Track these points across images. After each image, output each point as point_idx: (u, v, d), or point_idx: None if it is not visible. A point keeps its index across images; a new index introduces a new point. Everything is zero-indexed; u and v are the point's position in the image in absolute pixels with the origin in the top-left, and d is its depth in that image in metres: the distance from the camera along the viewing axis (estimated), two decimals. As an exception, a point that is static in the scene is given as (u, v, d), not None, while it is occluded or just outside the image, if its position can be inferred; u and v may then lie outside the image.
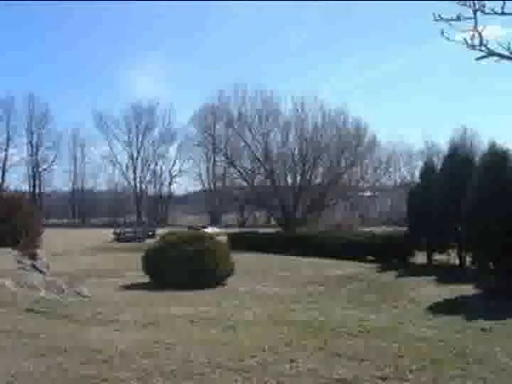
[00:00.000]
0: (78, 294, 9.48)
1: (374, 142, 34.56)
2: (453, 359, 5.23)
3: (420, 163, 39.83)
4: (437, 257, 16.25)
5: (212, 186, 64.83)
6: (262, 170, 33.76)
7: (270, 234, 26.62)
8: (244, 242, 23.47)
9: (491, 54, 3.66)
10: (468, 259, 13.91)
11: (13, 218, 14.58)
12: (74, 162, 73.85)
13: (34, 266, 11.01)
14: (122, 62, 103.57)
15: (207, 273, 11.43)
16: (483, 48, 3.64)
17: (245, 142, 33.98)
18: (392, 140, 69.04)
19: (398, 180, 56.66)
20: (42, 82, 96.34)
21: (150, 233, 36.16)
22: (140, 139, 73.42)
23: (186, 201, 75.21)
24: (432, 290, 10.81)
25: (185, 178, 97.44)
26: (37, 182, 70.58)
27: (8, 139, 67.28)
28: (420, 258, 17.10)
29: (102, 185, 76.84)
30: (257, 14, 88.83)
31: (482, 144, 27.37)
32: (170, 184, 74.75)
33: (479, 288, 10.58)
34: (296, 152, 33.11)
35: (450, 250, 15.72)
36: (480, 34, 3.61)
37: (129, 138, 73.11)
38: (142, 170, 74.01)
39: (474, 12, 3.55)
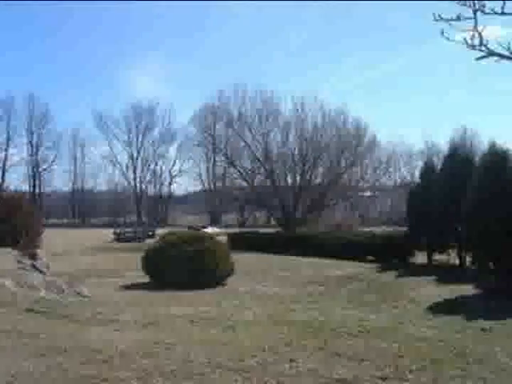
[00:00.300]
0: (78, 293, 9.48)
1: (374, 142, 34.59)
2: (453, 359, 5.23)
3: (420, 163, 39.89)
4: (437, 257, 16.25)
5: (212, 186, 64.83)
6: (262, 170, 33.76)
7: (270, 233, 26.61)
8: (244, 242, 23.46)
9: (491, 53, 3.66)
10: (468, 259, 13.90)
11: (13, 217, 14.59)
12: (74, 162, 74.00)
13: (34, 266, 11.01)
14: (122, 62, 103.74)
15: (207, 273, 11.43)
16: (483, 48, 3.64)
17: (245, 142, 33.98)
18: (392, 140, 69.15)
19: (398, 180, 56.72)
20: (42, 81, 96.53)
21: (150, 233, 36.14)
22: (140, 139, 73.54)
23: (186, 201, 75.21)
24: (432, 290, 10.81)
25: (185, 178, 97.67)
26: (37, 182, 70.68)
27: (8, 139, 67.38)
28: (420, 258, 17.09)
29: (101, 185, 77.04)
30: (257, 14, 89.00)
31: (482, 144, 27.43)
32: (170, 184, 74.90)
33: (479, 288, 10.58)
34: (296, 152, 33.13)
35: (450, 250, 15.71)
36: (480, 34, 3.61)
37: (129, 138, 73.24)
38: (142, 170, 74.12)
39: (474, 12, 3.55)
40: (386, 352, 5.44)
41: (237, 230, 36.51)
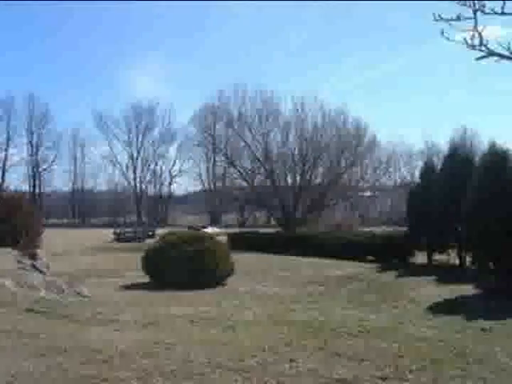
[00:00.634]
0: (78, 293, 9.48)
1: (374, 142, 34.59)
2: (453, 359, 5.23)
3: (420, 163, 39.90)
4: (437, 257, 16.25)
5: (212, 186, 64.83)
6: (262, 170, 33.76)
7: (270, 234, 26.61)
8: (244, 242, 23.46)
9: (491, 53, 3.66)
10: (468, 259, 13.90)
11: (13, 217, 14.59)
12: (74, 162, 73.99)
13: (34, 266, 11.01)
14: (122, 61, 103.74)
15: (207, 273, 11.43)
16: (483, 48, 3.64)
17: (245, 142, 33.99)
18: (392, 140, 69.14)
19: (398, 180, 56.72)
20: (41, 82, 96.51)
21: (150, 233, 36.14)
22: (140, 139, 73.54)
23: (186, 201, 75.20)
24: (432, 290, 10.81)
25: (185, 178, 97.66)
26: (37, 182, 70.68)
27: (8, 139, 67.39)
28: (420, 258, 17.09)
29: (102, 185, 77.03)
30: (257, 14, 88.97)
31: (482, 144, 27.41)
32: (170, 184, 74.90)
33: (479, 288, 10.58)
34: (296, 152, 33.13)
35: (450, 250, 15.71)
36: (480, 34, 3.61)
37: (129, 137, 73.23)
38: (142, 170, 74.12)
39: (474, 12, 3.55)
40: (386, 352, 5.44)
41: (237, 229, 36.50)
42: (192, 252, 11.58)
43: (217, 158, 44.56)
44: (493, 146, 11.50)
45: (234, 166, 34.84)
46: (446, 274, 13.05)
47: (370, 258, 18.27)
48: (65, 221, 67.66)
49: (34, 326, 6.32)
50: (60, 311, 7.47)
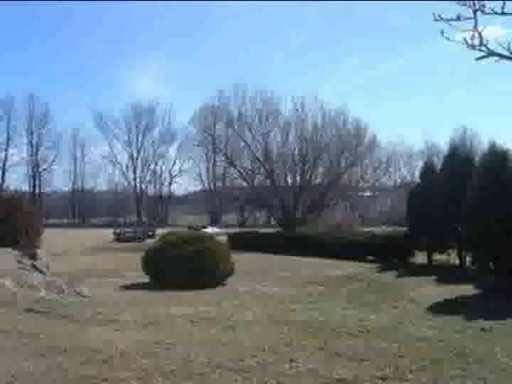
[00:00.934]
0: (78, 293, 9.48)
1: (373, 142, 34.66)
2: (453, 359, 5.23)
3: (420, 163, 39.89)
4: (437, 257, 16.26)
5: (212, 186, 64.89)
6: (262, 170, 33.78)
7: (270, 234, 26.59)
8: (244, 242, 23.45)
9: (491, 53, 3.66)
10: (468, 259, 13.91)
11: (13, 218, 14.60)
12: (74, 162, 73.85)
13: (34, 266, 11.02)
14: (122, 62, 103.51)
15: (207, 273, 11.43)
16: (483, 48, 3.64)
17: (245, 142, 34.01)
18: (392, 140, 69.43)
19: (398, 180, 56.71)
20: (41, 81, 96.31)
21: (150, 233, 36.11)
22: (140, 139, 73.36)
23: (186, 201, 75.15)
24: (432, 290, 10.81)
25: (185, 178, 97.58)
26: (37, 182, 70.49)
27: (8, 139, 67.20)
28: (420, 258, 17.10)
29: (102, 185, 76.86)
30: (257, 14, 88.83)
31: (482, 144, 27.48)
32: (170, 184, 74.75)
33: (479, 288, 10.58)
34: (296, 152, 33.18)
35: (450, 250, 15.72)
36: (480, 33, 3.61)
37: (129, 137, 73.06)
38: (142, 170, 73.96)
39: (474, 12, 3.55)
40: (386, 352, 5.44)
41: (237, 229, 36.47)
42: (192, 252, 11.58)
43: (217, 158, 44.68)
44: (493, 146, 11.50)
45: (234, 166, 34.86)
46: (446, 274, 13.06)
47: (370, 258, 18.27)
48: (65, 221, 67.61)
49: (33, 326, 6.32)
50: (60, 311, 7.46)
